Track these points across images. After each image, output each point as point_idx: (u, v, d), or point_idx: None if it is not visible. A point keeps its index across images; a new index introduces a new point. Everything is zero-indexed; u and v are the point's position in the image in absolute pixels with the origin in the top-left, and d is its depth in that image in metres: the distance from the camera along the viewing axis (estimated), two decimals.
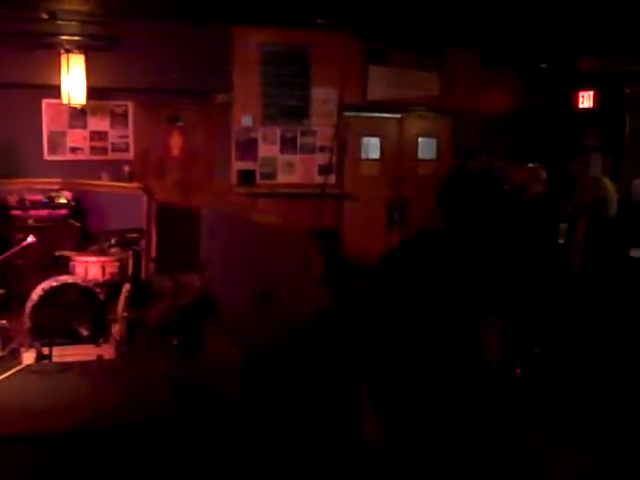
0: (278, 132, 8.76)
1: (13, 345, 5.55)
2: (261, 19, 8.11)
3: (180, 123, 8.54)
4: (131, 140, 8.38)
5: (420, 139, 9.48)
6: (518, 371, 5.38)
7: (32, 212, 7.09)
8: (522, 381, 5.30)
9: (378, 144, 9.28)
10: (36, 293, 5.55)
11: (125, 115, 8.34)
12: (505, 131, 9.14)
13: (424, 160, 9.48)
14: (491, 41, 8.59)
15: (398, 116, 9.35)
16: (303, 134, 8.87)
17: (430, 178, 9.26)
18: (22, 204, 7.13)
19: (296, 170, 8.85)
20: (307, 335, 4.92)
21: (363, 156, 9.22)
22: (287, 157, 8.81)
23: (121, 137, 8.32)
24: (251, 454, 4.05)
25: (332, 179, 8.88)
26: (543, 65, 9.01)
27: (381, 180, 9.23)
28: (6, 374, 5.11)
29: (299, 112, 8.84)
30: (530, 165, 6.21)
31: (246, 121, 8.62)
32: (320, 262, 5.48)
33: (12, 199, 7.15)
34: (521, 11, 7.05)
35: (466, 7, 7.11)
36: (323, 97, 8.88)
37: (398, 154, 9.33)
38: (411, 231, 9.15)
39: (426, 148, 9.49)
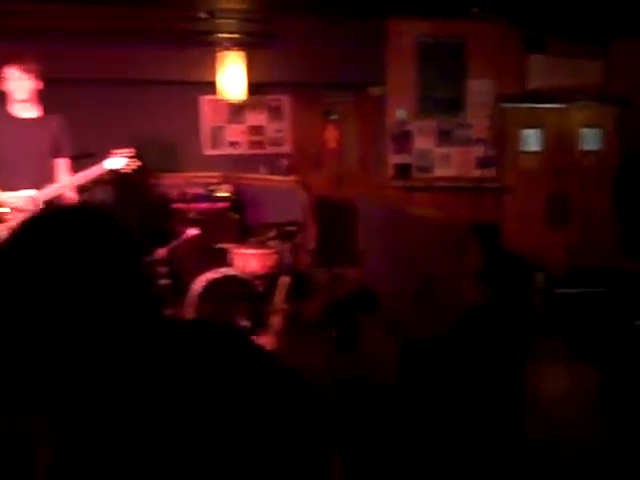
0: (433, 125, 8.59)
1: None
2: (416, 11, 7.98)
3: (335, 116, 8.54)
4: (287, 134, 8.45)
5: (583, 129, 9.03)
6: None
7: (193, 205, 7.28)
8: None
9: (538, 136, 8.92)
10: (198, 284, 5.67)
11: (281, 109, 8.42)
12: None
13: (587, 151, 9.02)
14: None
15: (559, 106, 8.94)
16: (459, 126, 8.65)
17: (594, 170, 8.85)
18: (183, 198, 7.34)
19: (453, 163, 8.64)
20: (465, 329, 4.80)
21: (522, 148, 8.88)
22: (443, 150, 8.62)
23: (278, 131, 8.41)
24: (406, 448, 3.96)
25: (491, 172, 8.61)
26: None
27: (541, 173, 8.86)
28: None
29: (454, 104, 8.63)
30: None
31: (400, 114, 8.50)
32: (478, 256, 5.34)
33: (174, 193, 7.37)
34: None
35: None
36: (480, 88, 8.63)
37: (559, 146, 8.93)
38: (574, 225, 8.78)
39: (589, 139, 9.03)
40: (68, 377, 1.17)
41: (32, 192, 4.77)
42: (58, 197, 4.88)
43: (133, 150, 5.00)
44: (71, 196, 4.97)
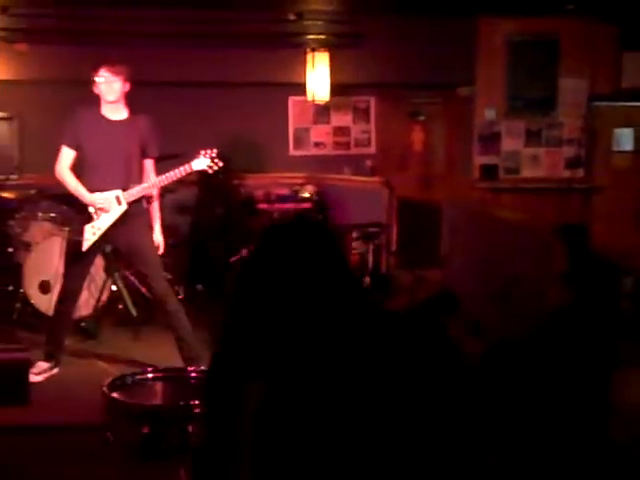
0: (522, 125, 8.43)
1: None
2: (508, 9, 7.85)
3: (421, 117, 8.49)
4: (373, 135, 8.43)
5: None
6: None
7: (277, 206, 7.35)
8: None
9: (632, 135, 8.64)
10: None
11: (367, 110, 8.42)
12: None
13: None
14: None
15: None
16: (549, 126, 8.47)
17: None
18: (268, 198, 7.42)
19: (541, 164, 8.46)
20: (549, 332, 4.72)
21: (615, 148, 8.62)
22: (532, 151, 8.45)
23: (363, 132, 8.41)
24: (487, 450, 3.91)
25: (580, 173, 8.40)
26: None
27: (635, 173, 8.58)
28: None
29: (545, 104, 8.45)
30: None
31: (489, 114, 8.38)
32: (563, 258, 5.23)
33: (259, 193, 7.46)
34: None
35: None
36: (572, 87, 8.42)
37: None
38: None
39: None
40: (298, 338, 1.57)
41: (118, 192, 4.90)
42: (143, 197, 5.03)
43: (216, 151, 5.08)
44: (155, 196, 5.09)
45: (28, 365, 4.64)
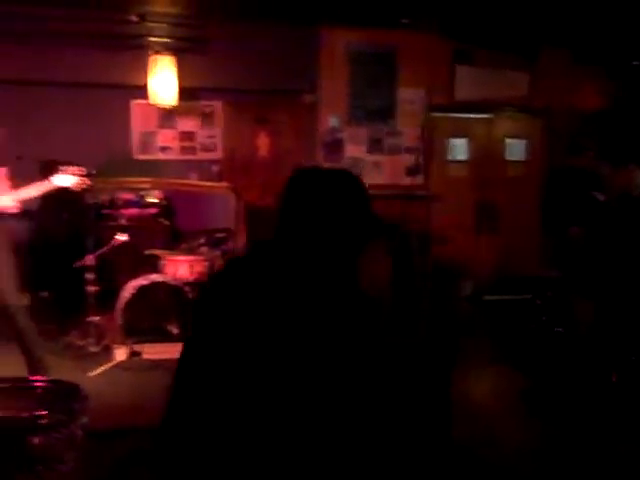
0: (365, 133, 8.69)
1: (106, 341, 5.64)
2: (347, 19, 8.06)
3: (267, 123, 8.55)
4: (219, 140, 8.42)
5: (509, 140, 9.26)
6: (614, 378, 5.21)
7: (123, 211, 7.20)
8: (618, 387, 5.14)
9: (465, 145, 9.10)
10: (127, 291, 5.62)
11: (213, 115, 8.40)
12: (597, 131, 8.87)
13: (513, 161, 9.25)
14: (583, 39, 8.34)
15: (486, 116, 9.16)
16: (389, 135, 8.77)
17: (520, 180, 9.08)
18: (113, 203, 7.25)
19: (383, 171, 8.76)
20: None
21: (450, 157, 9.06)
22: (374, 158, 8.73)
23: (209, 137, 8.38)
24: None
25: (420, 180, 8.75)
26: (636, 62, 8.73)
27: (469, 182, 9.05)
28: (99, 370, 5.19)
29: (385, 113, 8.74)
30: (630, 167, 5.93)
31: (332, 122, 8.58)
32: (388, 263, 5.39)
33: (104, 198, 7.27)
34: (614, 8, 6.83)
35: (558, 6, 6.94)
36: (410, 97, 8.77)
37: (486, 155, 9.14)
38: (501, 234, 8.96)
39: (515, 149, 9.26)
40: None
41: None
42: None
43: (84, 169, 4.93)
44: (13, 207, 4.80)
45: None
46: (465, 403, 4.84)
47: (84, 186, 4.93)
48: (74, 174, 4.85)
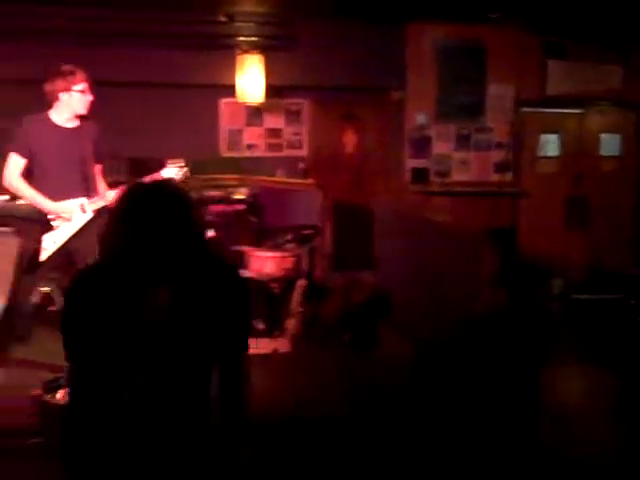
0: (452, 129, 8.59)
1: None
2: (434, 15, 7.97)
3: (354, 120, 8.54)
4: (305, 137, 8.47)
5: (602, 135, 8.99)
6: None
7: (211, 208, 7.30)
8: None
9: (557, 141, 8.89)
10: None
11: (300, 113, 8.44)
12: None
13: (607, 157, 8.99)
14: None
15: (578, 111, 8.92)
16: (478, 131, 8.65)
17: (613, 175, 8.83)
18: (201, 200, 7.35)
19: (471, 168, 8.63)
20: (478, 334, 4.81)
21: (541, 153, 8.86)
22: (461, 155, 8.62)
23: (295, 134, 8.43)
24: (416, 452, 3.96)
25: (509, 177, 8.60)
26: None
27: (560, 178, 8.83)
28: None
29: (474, 109, 8.62)
30: None
31: (420, 119, 8.50)
32: (493, 261, 5.33)
33: (192, 195, 7.36)
34: None
35: None
36: (499, 93, 8.62)
37: (578, 151, 8.90)
38: (593, 230, 8.73)
39: (608, 144, 8.99)
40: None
41: (82, 200, 4.80)
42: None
43: (183, 160, 5.19)
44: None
45: None
46: (554, 403, 4.74)
47: (186, 177, 5.19)
48: (176, 166, 5.11)
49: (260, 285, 5.71)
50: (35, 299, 5.88)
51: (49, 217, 4.74)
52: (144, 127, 7.63)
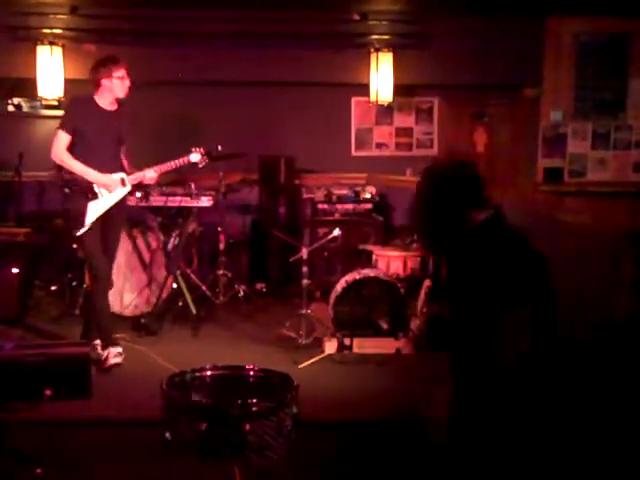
0: (589, 127, 8.26)
1: (316, 334, 5.76)
2: (576, 8, 7.68)
3: (485, 119, 8.37)
4: (435, 136, 8.37)
5: None
6: None
7: (338, 206, 7.35)
8: None
9: None
10: (340, 285, 5.70)
11: (430, 111, 8.35)
12: None
13: None
14: None
15: None
16: (617, 129, 8.28)
17: None
18: (329, 198, 7.40)
19: (609, 167, 8.29)
20: (616, 340, 4.63)
21: None
22: (599, 153, 8.29)
23: (426, 133, 8.35)
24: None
25: None
26: None
27: None
28: (310, 361, 5.30)
29: (615, 106, 8.27)
30: None
31: (555, 116, 8.23)
32: (632, 264, 5.11)
33: (320, 193, 7.45)
34: None
35: None
36: None
37: None
38: None
39: None
40: None
41: (122, 175, 5.25)
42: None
43: (204, 148, 5.69)
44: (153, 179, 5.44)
45: (89, 359, 4.71)
46: None
47: (205, 162, 5.71)
48: (199, 153, 5.62)
49: (386, 284, 5.67)
50: (164, 295, 6.15)
51: (94, 187, 5.14)
52: (279, 126, 7.76)
